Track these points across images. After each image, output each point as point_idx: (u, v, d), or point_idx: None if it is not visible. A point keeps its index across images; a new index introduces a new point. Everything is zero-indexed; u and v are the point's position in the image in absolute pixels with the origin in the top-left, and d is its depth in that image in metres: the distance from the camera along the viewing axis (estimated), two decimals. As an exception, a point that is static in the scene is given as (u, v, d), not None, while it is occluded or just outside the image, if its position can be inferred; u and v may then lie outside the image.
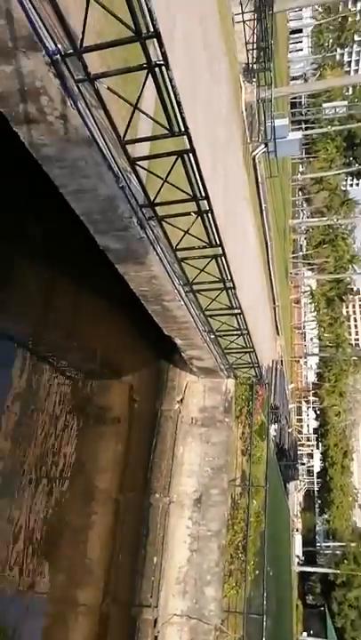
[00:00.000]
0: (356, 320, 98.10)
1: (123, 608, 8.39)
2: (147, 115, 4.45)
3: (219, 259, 6.64)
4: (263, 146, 19.87)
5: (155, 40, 3.63)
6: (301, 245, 52.29)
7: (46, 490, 7.92)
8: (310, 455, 60.95)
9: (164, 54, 3.77)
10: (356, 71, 68.84)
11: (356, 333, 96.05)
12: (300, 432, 54.86)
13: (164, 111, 4.25)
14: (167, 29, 3.66)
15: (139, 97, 4.22)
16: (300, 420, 56.38)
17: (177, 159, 4.92)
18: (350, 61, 69.71)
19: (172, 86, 4.03)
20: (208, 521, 9.76)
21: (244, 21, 16.73)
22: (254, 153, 19.89)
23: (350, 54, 68.60)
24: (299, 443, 48.78)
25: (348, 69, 65.94)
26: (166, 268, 6.90)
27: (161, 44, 3.67)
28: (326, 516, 51.91)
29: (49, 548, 7.92)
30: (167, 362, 11.15)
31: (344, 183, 56.44)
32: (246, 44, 17.48)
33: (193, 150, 4.70)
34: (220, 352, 10.22)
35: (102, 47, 3.80)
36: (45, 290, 7.72)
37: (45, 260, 7.51)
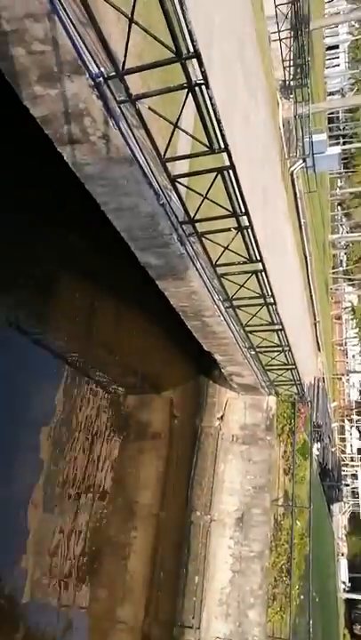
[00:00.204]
0: None
1: (164, 628, 8.25)
2: (187, 133, 4.52)
3: (259, 274, 6.60)
4: (301, 161, 19.78)
5: (193, 60, 3.73)
6: (341, 260, 51.31)
7: (87, 504, 7.96)
8: (355, 476, 58.68)
9: (203, 74, 3.84)
10: (396, 84, 67.80)
11: None
12: (343, 452, 53.11)
13: (204, 129, 4.31)
14: (205, 49, 3.74)
15: (179, 116, 4.30)
16: (343, 440, 54.63)
17: (217, 176, 4.96)
18: (389, 74, 68.74)
19: (212, 104, 4.09)
20: (250, 541, 9.54)
21: (280, 39, 16.86)
22: (292, 168, 19.81)
23: (389, 67, 67.70)
24: (342, 463, 47.17)
25: (386, 83, 65.01)
26: (206, 284, 6.91)
27: (201, 64, 3.75)
28: (373, 541, 49.66)
29: (90, 562, 7.93)
30: (207, 378, 11.10)
31: (385, 197, 55.26)
32: (283, 61, 17.58)
33: (233, 167, 4.74)
34: (261, 368, 10.10)
35: (144, 69, 3.91)
36: (88, 305, 7.87)
37: (88, 276, 7.67)
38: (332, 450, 33.37)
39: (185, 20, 3.41)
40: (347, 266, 49.56)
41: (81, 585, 7.60)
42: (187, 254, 6.10)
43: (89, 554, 7.81)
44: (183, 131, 4.44)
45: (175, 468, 9.81)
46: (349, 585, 53.12)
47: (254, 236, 5.89)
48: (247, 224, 5.64)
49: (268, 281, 6.86)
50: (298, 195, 21.06)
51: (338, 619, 38.37)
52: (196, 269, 6.50)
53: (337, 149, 24.24)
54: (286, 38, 17.32)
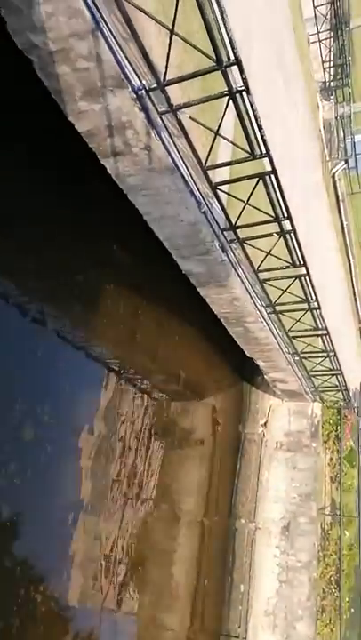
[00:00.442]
0: None
1: (210, 636, 8.18)
2: (228, 140, 4.53)
3: (303, 279, 6.51)
4: (343, 163, 19.38)
5: (231, 68, 3.73)
6: (387, 262, 49.82)
7: (132, 510, 8.03)
8: None
9: (244, 80, 3.84)
10: None
11: None
12: (392, 460, 51.14)
13: (245, 135, 4.31)
14: (244, 55, 3.73)
15: (220, 123, 4.31)
16: (392, 447, 52.60)
17: (258, 181, 4.94)
18: None
19: (253, 110, 4.08)
20: (297, 551, 9.35)
21: (319, 40, 16.64)
22: (334, 170, 19.44)
23: None
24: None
25: None
26: (248, 290, 6.87)
27: (242, 71, 3.75)
28: None
29: (135, 568, 7.98)
30: (250, 384, 11.00)
31: None
32: (323, 62, 17.33)
33: (275, 172, 4.71)
34: (305, 374, 9.92)
35: (184, 79, 3.94)
36: (132, 312, 7.97)
37: (132, 285, 7.78)
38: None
39: (225, 28, 3.42)
40: (392, 268, 48.01)
41: (126, 590, 7.65)
42: (228, 261, 6.09)
43: (134, 559, 7.86)
44: (224, 138, 4.45)
45: (218, 474, 9.75)
46: None
47: (297, 240, 5.81)
48: (290, 228, 5.58)
49: (311, 285, 6.75)
50: (340, 197, 20.63)
51: (389, 634, 36.91)
52: (238, 276, 6.48)
53: (380, 149, 23.59)
54: (326, 39, 17.08)
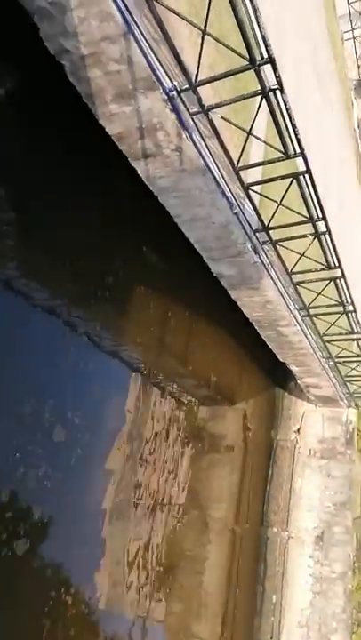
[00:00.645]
0: None
1: (241, 647, 8.04)
2: (261, 140, 4.42)
3: (338, 281, 6.32)
4: (379, 161, 18.91)
5: (264, 67, 3.64)
6: None
7: (162, 516, 7.97)
8: None
9: (278, 79, 3.74)
10: None
11: None
12: None
13: (278, 135, 4.20)
14: (277, 54, 3.63)
15: (253, 123, 4.22)
16: None
17: (292, 181, 4.82)
18: None
19: (287, 109, 3.98)
20: (331, 561, 9.09)
21: (354, 37, 16.33)
22: (369, 169, 18.98)
23: None
24: None
25: None
26: (281, 293, 6.73)
27: (275, 69, 3.66)
28: None
29: (165, 575, 7.91)
30: (282, 389, 10.80)
31: None
32: (357, 59, 16.98)
33: (309, 171, 4.59)
34: (340, 380, 9.66)
35: (216, 79, 3.87)
36: (162, 315, 7.94)
37: (161, 287, 7.75)
38: None
39: (259, 27, 3.33)
40: None
41: (156, 597, 7.59)
42: (261, 263, 5.97)
43: (164, 566, 7.80)
44: (257, 137, 4.35)
45: (250, 481, 9.59)
46: None
47: (332, 242, 5.65)
48: (324, 229, 5.43)
49: (347, 287, 6.56)
50: (375, 197, 20.12)
51: None
52: (271, 278, 6.35)
53: None
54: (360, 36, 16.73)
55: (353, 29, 16.16)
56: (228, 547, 8.91)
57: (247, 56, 3.51)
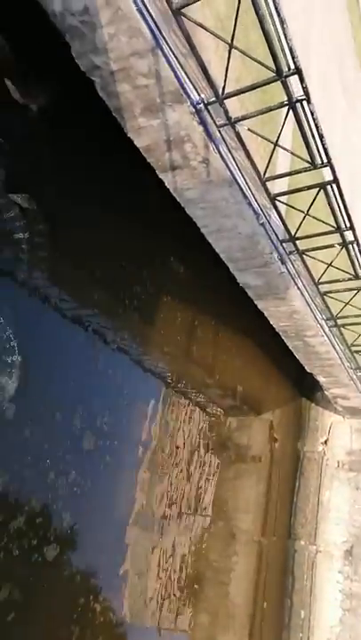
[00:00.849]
0: None
1: (269, 662, 7.89)
2: (288, 151, 4.44)
3: (366, 290, 6.25)
4: None
5: (289, 79, 3.66)
6: None
7: (188, 525, 7.94)
8: None
9: (305, 89, 3.76)
10: None
11: None
12: None
13: (305, 145, 4.21)
14: (303, 64, 3.66)
15: (279, 134, 4.25)
16: None
17: (319, 191, 4.81)
18: None
19: (314, 119, 3.99)
20: (361, 577, 8.88)
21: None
22: None
23: None
24: None
25: None
26: (308, 303, 6.68)
27: (302, 80, 3.68)
28: None
29: (191, 586, 7.86)
30: (309, 400, 10.67)
31: None
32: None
33: (337, 181, 4.57)
34: (368, 390, 9.50)
35: (243, 91, 3.92)
36: (189, 325, 7.97)
37: (188, 297, 7.79)
38: None
39: (285, 38, 3.37)
40: None
41: (182, 608, 7.54)
42: (287, 273, 5.95)
43: (190, 576, 7.75)
44: (284, 148, 4.38)
45: (276, 493, 9.47)
46: None
47: (360, 252, 5.59)
48: (352, 239, 5.39)
49: (375, 298, 6.47)
50: None
51: None
52: (298, 288, 6.32)
53: None
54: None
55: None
56: (254, 558, 8.79)
57: (274, 68, 3.54)
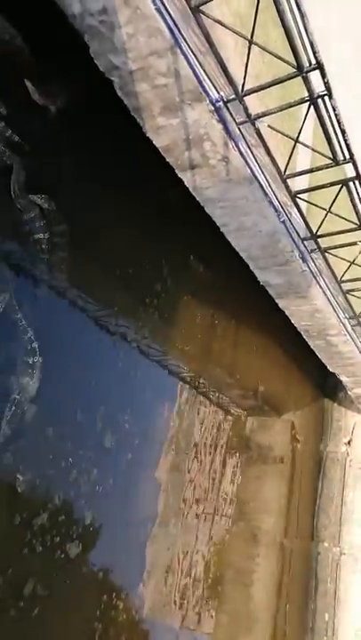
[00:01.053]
0: None
1: (292, 666, 7.82)
2: (309, 147, 4.39)
3: (390, 288, 6.14)
4: None
5: (310, 74, 3.61)
6: None
7: (208, 526, 7.92)
8: None
9: (326, 84, 3.71)
10: None
11: None
12: None
13: (327, 141, 4.15)
14: (324, 58, 3.61)
15: (300, 130, 4.19)
16: None
17: (341, 188, 4.74)
18: None
19: (336, 115, 3.93)
20: (387, 581, 8.72)
21: None
22: None
23: None
24: None
25: None
26: (330, 301, 6.60)
27: (324, 75, 3.63)
28: None
29: (212, 587, 7.83)
30: (332, 400, 10.55)
31: None
32: None
33: (360, 177, 4.49)
34: (393, 390, 9.33)
35: (263, 88, 3.88)
36: (209, 324, 7.95)
37: (207, 296, 7.78)
38: None
39: (306, 32, 3.32)
40: None
41: (204, 608, 7.53)
42: (309, 271, 5.89)
43: (211, 577, 7.73)
44: (305, 145, 4.32)
45: (299, 494, 9.38)
46: None
47: (384, 249, 5.50)
48: (375, 236, 5.30)
49: None
50: None
51: None
52: (320, 286, 6.24)
53: None
54: None
55: None
56: (277, 560, 8.72)
57: (295, 63, 3.50)
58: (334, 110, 3.88)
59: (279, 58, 3.47)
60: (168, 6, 3.45)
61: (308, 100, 3.80)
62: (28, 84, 4.82)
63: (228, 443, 8.68)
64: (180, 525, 7.27)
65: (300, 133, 4.20)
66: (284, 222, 5.15)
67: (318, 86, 3.83)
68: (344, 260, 5.77)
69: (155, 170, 4.83)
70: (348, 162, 4.30)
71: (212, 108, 3.92)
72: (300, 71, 3.53)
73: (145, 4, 3.27)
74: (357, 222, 5.04)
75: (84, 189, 5.50)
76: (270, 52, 3.48)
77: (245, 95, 3.89)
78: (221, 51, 3.77)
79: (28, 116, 4.96)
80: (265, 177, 4.80)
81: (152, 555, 6.65)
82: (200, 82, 3.73)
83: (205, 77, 3.84)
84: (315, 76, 3.70)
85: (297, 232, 5.52)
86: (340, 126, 4.01)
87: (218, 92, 3.96)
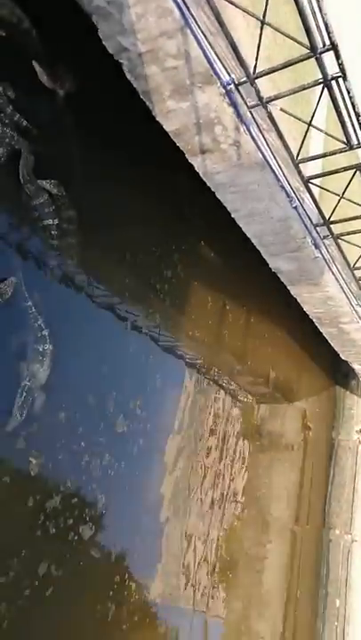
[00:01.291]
0: None
1: (303, 651, 7.90)
2: (322, 131, 4.31)
3: None
4: None
5: (321, 56, 3.53)
6: None
7: (220, 512, 7.96)
8: None
9: (341, 66, 3.63)
10: None
11: None
12: None
13: (341, 124, 4.07)
14: (338, 38, 3.53)
15: (313, 114, 4.12)
16: None
17: (355, 173, 4.67)
18: None
19: (350, 97, 3.85)
20: None
21: None
22: None
23: None
24: None
25: None
26: (343, 288, 6.53)
27: (338, 56, 3.55)
28: None
29: (224, 572, 7.90)
30: (344, 388, 10.49)
31: None
32: None
33: (373, 160, 4.41)
34: None
35: (276, 70, 3.81)
36: (218, 310, 7.93)
37: (218, 282, 7.75)
38: None
39: (321, 12, 3.25)
40: None
41: (216, 593, 7.60)
42: (322, 258, 5.83)
43: (222, 563, 7.79)
44: (317, 128, 4.25)
45: (310, 482, 9.39)
46: None
47: None
48: (390, 222, 5.22)
49: None
50: None
51: None
52: (332, 273, 6.18)
53: None
54: None
55: None
56: (288, 547, 8.77)
57: (308, 44, 3.43)
58: (349, 93, 3.80)
59: (292, 38, 3.40)
60: (178, -14, 3.40)
61: (321, 82, 3.72)
62: (36, 66, 4.78)
63: (239, 430, 8.69)
64: (192, 510, 7.32)
65: (313, 117, 4.13)
66: (296, 208, 5.09)
67: (332, 69, 3.75)
68: (357, 246, 5.69)
69: (165, 154, 4.79)
70: (362, 145, 4.22)
71: (223, 91, 3.87)
72: (314, 52, 3.45)
73: (154, -17, 3.22)
74: (371, 207, 4.97)
75: (94, 174, 5.47)
76: (283, 33, 3.41)
77: (257, 78, 3.83)
78: (232, 32, 3.71)
79: (37, 100, 4.93)
80: (277, 162, 4.74)
81: (164, 538, 6.72)
82: (211, 64, 3.68)
83: (216, 59, 3.79)
84: (328, 59, 3.63)
85: (309, 218, 5.46)
86: (354, 109, 3.93)
87: (229, 75, 3.90)
